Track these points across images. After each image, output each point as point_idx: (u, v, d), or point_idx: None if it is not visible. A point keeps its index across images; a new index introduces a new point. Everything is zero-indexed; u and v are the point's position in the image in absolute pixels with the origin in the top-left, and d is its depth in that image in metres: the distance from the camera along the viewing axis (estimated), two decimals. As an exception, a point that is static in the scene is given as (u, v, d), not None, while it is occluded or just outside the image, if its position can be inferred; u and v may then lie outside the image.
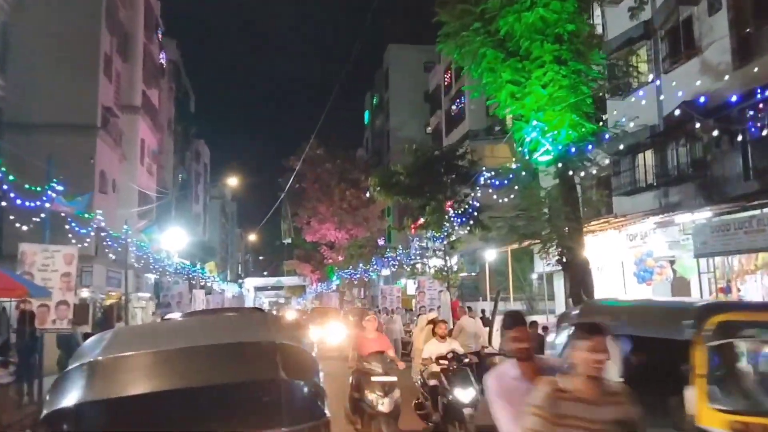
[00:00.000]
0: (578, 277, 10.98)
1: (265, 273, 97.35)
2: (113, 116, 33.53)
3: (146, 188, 39.03)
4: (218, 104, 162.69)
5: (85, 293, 25.61)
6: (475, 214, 19.13)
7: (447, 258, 19.93)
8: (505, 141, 18.32)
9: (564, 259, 10.87)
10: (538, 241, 11.06)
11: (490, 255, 23.62)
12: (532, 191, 10.99)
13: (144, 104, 39.26)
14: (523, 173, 11.32)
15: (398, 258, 27.48)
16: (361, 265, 34.79)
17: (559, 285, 24.39)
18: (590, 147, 10.38)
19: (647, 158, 17.49)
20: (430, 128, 58.57)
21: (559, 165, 10.33)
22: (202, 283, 34.94)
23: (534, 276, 28.79)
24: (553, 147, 10.21)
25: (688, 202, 15.84)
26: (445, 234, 19.67)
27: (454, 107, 42.68)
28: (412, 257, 25.08)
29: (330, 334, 20.74)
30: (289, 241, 28.22)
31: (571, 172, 10.54)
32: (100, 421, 3.23)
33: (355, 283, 41.02)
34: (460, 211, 19.25)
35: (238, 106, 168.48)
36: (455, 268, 20.63)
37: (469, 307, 18.95)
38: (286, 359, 3.41)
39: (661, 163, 16.80)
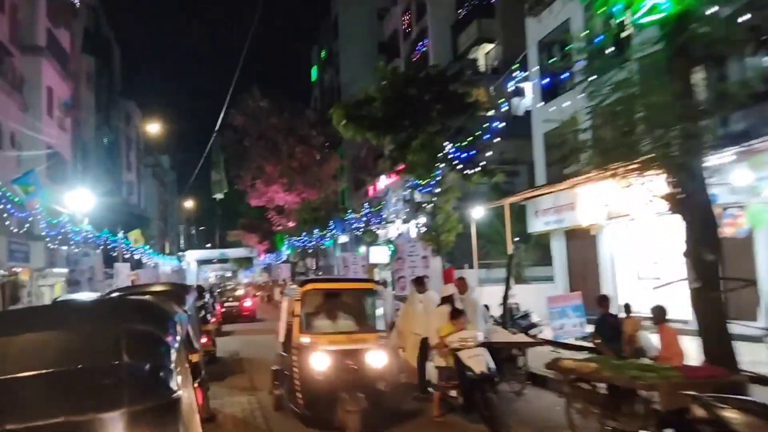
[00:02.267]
0: (699, 222, 6.63)
1: (209, 245, 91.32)
2: (8, 54, 27.32)
3: (57, 146, 32.87)
4: (149, 64, 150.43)
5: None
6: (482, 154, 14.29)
7: (435, 213, 15.21)
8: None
9: (679, 194, 6.48)
10: (636, 164, 6.57)
11: (477, 212, 19.32)
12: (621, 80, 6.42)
13: (50, 45, 32.80)
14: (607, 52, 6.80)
15: (365, 218, 22.70)
16: (316, 231, 29.86)
17: (560, 248, 20.37)
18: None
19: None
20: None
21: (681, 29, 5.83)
22: (127, 255, 29.39)
23: (516, 238, 24.70)
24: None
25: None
26: (436, 180, 14.91)
27: (415, 52, 37.85)
28: (383, 217, 20.42)
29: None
30: (221, 195, 22.55)
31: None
32: None
33: (309, 252, 36.11)
34: (460, 146, 14.52)
35: (173, 66, 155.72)
36: (446, 226, 15.79)
37: (461, 278, 14.71)
38: (132, 343, 3.50)
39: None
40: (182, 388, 3.56)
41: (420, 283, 10.38)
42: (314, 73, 66.20)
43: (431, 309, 9.16)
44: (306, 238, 31.66)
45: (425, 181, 14.81)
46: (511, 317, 14.61)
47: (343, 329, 8.32)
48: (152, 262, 40.99)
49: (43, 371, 3.34)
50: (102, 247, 23.58)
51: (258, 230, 63.50)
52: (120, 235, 26.55)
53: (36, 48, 30.77)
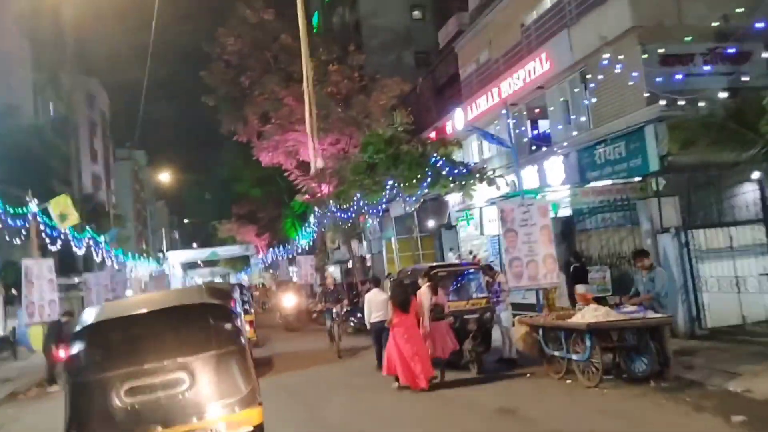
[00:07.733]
0: None
1: (195, 245, 77.97)
2: None
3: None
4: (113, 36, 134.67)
5: None
6: None
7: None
8: None
9: None
10: None
11: None
12: None
13: None
14: None
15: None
16: (390, 183, 16.74)
17: None
18: None
19: None
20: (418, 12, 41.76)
21: None
22: (53, 244, 15.85)
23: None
24: None
25: None
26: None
27: None
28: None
29: None
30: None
31: None
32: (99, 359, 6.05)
33: (361, 225, 22.96)
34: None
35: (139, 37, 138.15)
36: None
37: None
38: (213, 312, 6.36)
39: None
40: (245, 341, 6.34)
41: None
42: (316, 20, 53.20)
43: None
44: (371, 204, 18.17)
45: None
46: None
47: None
48: (115, 263, 27.56)
49: (159, 331, 6.07)
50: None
51: (256, 221, 50.44)
52: (33, 205, 13.60)
53: None
